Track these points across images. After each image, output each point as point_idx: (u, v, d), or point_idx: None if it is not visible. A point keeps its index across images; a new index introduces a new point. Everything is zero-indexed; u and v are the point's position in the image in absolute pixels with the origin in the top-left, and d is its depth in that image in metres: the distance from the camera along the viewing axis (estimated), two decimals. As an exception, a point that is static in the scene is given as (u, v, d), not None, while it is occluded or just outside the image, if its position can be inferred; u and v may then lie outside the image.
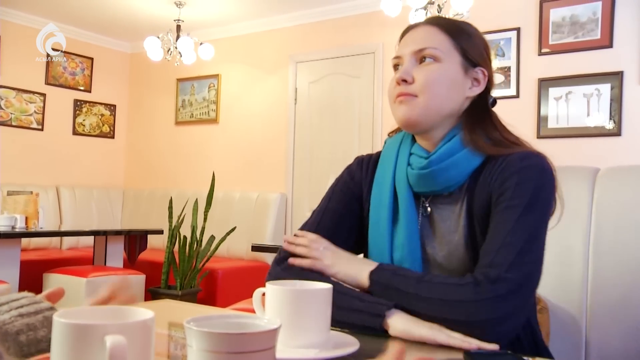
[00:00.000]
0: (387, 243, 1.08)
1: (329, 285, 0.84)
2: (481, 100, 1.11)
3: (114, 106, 6.03)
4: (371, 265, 1.01)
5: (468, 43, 1.09)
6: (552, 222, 1.00)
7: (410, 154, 1.11)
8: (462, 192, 1.05)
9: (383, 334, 0.92)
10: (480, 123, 1.08)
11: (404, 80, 1.06)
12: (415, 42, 1.08)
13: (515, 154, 1.01)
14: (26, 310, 0.67)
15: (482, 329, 0.88)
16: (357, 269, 1.02)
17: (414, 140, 1.13)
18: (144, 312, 0.58)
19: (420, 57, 1.07)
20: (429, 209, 1.09)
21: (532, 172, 0.98)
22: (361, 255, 1.15)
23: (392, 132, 1.21)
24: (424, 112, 1.05)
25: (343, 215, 1.16)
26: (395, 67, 1.11)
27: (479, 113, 1.10)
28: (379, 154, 1.21)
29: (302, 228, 1.15)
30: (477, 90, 1.10)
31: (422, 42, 1.07)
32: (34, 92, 5.34)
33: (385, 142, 1.21)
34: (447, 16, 1.17)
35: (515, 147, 1.04)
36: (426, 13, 3.54)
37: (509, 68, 3.98)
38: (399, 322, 0.91)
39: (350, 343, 0.82)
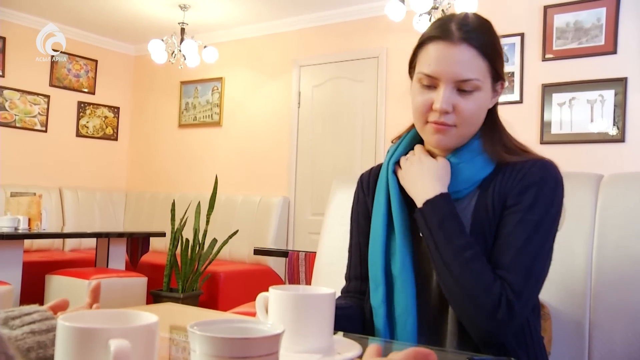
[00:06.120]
0: (382, 250, 1.11)
1: (331, 290, 0.84)
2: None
3: (118, 108, 6.05)
4: (426, 195, 1.05)
5: (498, 62, 1.07)
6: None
7: None
8: (470, 195, 1.08)
9: None
10: (497, 132, 1.10)
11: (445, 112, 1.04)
12: (455, 68, 1.02)
13: (533, 161, 1.05)
14: (38, 327, 0.67)
15: (485, 335, 0.99)
16: (417, 191, 1.07)
17: (408, 148, 1.15)
18: (148, 316, 0.58)
19: (461, 86, 1.03)
20: None
21: (551, 186, 1.02)
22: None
23: (395, 138, 1.22)
24: (459, 140, 1.07)
25: (365, 244, 1.18)
26: (426, 86, 1.05)
27: (491, 119, 1.11)
28: (379, 166, 1.23)
29: (346, 271, 1.23)
30: (495, 100, 1.10)
31: (465, 71, 1.02)
32: (38, 94, 5.36)
33: (388, 152, 1.22)
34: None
35: (525, 154, 1.08)
36: (430, 18, 3.54)
37: (512, 73, 3.98)
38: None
39: (353, 348, 0.82)
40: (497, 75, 1.07)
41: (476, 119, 1.06)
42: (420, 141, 1.15)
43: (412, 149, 1.15)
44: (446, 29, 1.04)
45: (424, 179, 1.06)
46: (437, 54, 1.03)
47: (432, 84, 1.04)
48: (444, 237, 1.00)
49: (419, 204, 1.05)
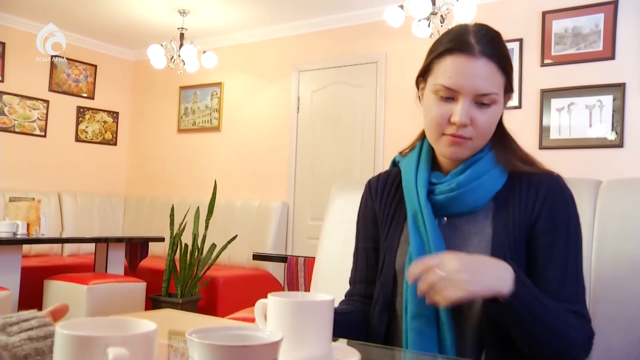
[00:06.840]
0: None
1: (330, 297, 0.84)
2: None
3: (117, 113, 6.05)
4: (508, 278, 0.94)
5: (511, 74, 1.08)
6: None
7: (430, 183, 1.11)
8: (488, 204, 1.08)
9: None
10: (507, 141, 1.12)
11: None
12: (476, 82, 1.02)
13: (548, 177, 1.08)
14: (35, 333, 0.67)
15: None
16: (496, 282, 0.94)
17: (429, 161, 1.13)
18: (146, 323, 0.58)
19: (480, 100, 1.03)
20: (444, 220, 1.11)
21: (572, 204, 1.07)
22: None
23: (405, 150, 1.21)
24: (472, 152, 1.08)
25: (372, 248, 1.20)
26: (444, 98, 1.04)
27: (500, 129, 1.11)
28: (387, 172, 1.24)
29: (351, 274, 1.23)
30: (503, 110, 1.11)
31: (485, 86, 1.02)
32: (37, 99, 5.36)
33: (398, 162, 1.21)
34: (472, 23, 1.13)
35: (534, 164, 1.10)
36: (429, 24, 3.55)
37: (511, 79, 3.98)
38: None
39: (351, 355, 0.82)
40: (509, 87, 1.08)
41: (491, 131, 1.07)
42: (434, 152, 1.14)
43: (432, 164, 1.14)
44: (465, 42, 1.03)
45: (485, 269, 0.95)
46: (457, 67, 1.03)
47: (450, 96, 1.04)
48: (538, 315, 0.96)
49: (501, 297, 0.94)
